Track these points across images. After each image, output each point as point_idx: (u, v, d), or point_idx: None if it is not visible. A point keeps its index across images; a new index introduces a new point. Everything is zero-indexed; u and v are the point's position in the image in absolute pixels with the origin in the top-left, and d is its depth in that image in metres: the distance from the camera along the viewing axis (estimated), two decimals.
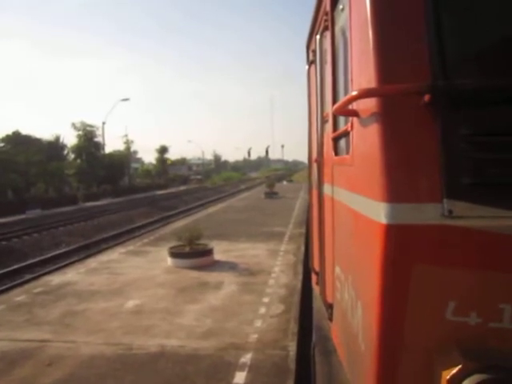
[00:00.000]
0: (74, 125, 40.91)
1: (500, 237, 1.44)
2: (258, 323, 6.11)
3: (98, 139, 42.92)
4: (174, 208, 31.10)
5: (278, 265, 9.51)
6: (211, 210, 23.44)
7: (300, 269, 9.10)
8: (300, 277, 8.45)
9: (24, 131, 42.58)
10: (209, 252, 9.85)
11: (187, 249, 9.81)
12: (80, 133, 41.08)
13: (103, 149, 43.65)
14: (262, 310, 6.63)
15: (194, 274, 8.96)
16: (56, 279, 8.99)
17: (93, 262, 10.53)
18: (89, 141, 41.04)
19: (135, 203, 34.23)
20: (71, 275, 9.29)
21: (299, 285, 7.90)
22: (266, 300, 7.10)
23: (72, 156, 41.52)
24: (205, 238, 13.00)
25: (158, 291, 7.80)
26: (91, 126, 41.70)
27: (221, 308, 6.79)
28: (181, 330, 5.95)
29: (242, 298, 7.28)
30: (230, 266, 9.50)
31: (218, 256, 10.44)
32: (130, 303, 7.15)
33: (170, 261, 9.76)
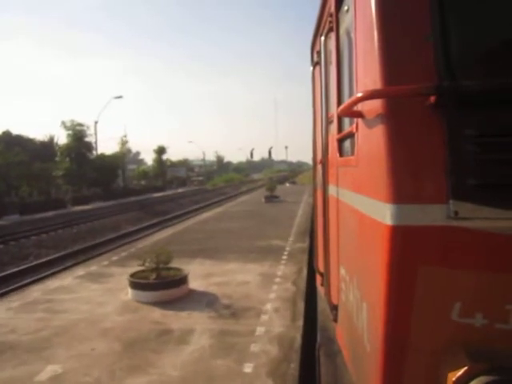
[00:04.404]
0: (63, 123, 38.50)
1: (506, 238, 1.43)
2: None
3: (91, 139, 40.63)
4: (166, 213, 28.73)
5: (271, 299, 7.13)
6: (205, 215, 21.10)
7: (301, 307, 6.73)
8: (300, 322, 6.07)
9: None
10: (181, 281, 7.48)
11: (153, 276, 7.46)
12: (69, 132, 38.70)
13: (96, 149, 41.37)
14: None
15: (157, 314, 6.60)
16: None
17: (35, 292, 8.18)
18: (78, 140, 38.59)
19: (126, 207, 31.91)
20: None
21: (299, 338, 5.53)
22: (247, 369, 4.72)
23: (62, 157, 38.94)
24: (187, 254, 10.83)
25: (98, 346, 5.45)
26: (81, 124, 39.24)
27: None
28: None
29: (213, 362, 4.92)
30: (208, 301, 7.13)
31: (195, 283, 8.10)
32: (47, 371, 4.80)
33: (130, 292, 7.43)
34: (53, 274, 10.62)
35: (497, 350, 1.45)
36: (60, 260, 14.04)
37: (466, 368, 1.40)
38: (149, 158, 74.79)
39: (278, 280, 8.31)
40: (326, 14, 3.17)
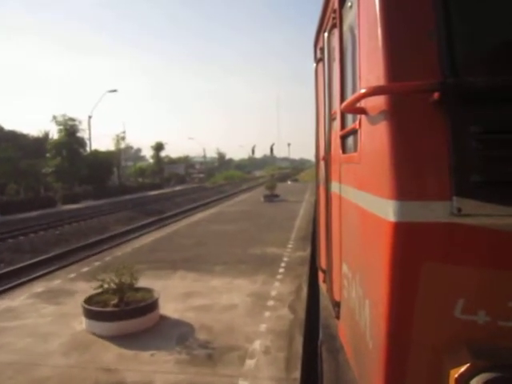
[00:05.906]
0: (55, 118, 36.70)
1: (509, 235, 1.41)
2: None
3: (84, 135, 38.99)
4: (159, 213, 27.11)
5: (261, 334, 5.60)
6: (198, 216, 19.59)
7: (299, 345, 5.20)
8: (297, 373, 4.53)
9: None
10: (149, 308, 5.95)
11: (115, 300, 5.94)
12: (61, 127, 36.99)
13: (90, 145, 39.72)
14: None
15: (111, 354, 5.08)
16: None
17: None
18: (70, 136, 36.86)
19: (118, 206, 30.33)
20: None
21: None
22: None
23: (53, 152, 37.09)
24: (169, 265, 9.46)
25: None
26: (73, 119, 37.46)
27: None
28: None
29: None
30: (180, 335, 5.61)
31: (170, 306, 6.61)
32: None
33: (85, 322, 5.92)
34: (8, 289, 9.11)
35: (499, 347, 1.42)
36: (27, 269, 12.43)
37: (468, 365, 1.38)
38: (150, 155, 73.07)
39: (271, 303, 6.77)
40: (329, 10, 3.16)
